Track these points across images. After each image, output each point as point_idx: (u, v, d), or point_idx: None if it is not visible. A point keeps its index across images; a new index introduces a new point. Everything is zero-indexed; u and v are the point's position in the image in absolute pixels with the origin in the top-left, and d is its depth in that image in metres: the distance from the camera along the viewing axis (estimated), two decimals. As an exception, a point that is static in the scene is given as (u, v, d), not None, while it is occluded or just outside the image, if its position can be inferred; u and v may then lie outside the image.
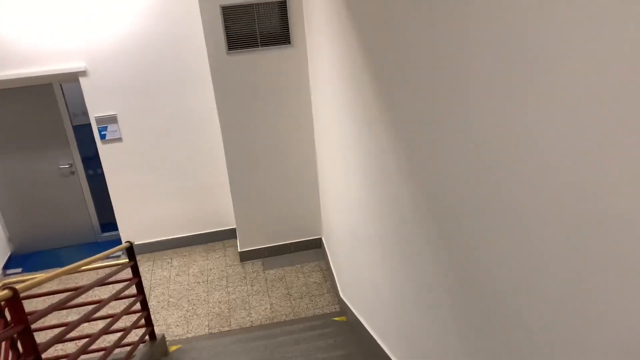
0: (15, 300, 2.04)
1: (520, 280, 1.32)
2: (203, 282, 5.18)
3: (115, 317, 3.59)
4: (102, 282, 3.61)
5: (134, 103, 5.10)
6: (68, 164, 5.61)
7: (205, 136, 5.37)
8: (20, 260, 5.76)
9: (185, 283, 5.19)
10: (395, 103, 2.14)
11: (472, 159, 1.48)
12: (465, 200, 1.56)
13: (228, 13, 4.42)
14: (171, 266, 5.46)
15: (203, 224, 5.74)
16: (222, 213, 5.71)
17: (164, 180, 5.45)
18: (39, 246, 5.88)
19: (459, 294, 1.74)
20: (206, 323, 4.64)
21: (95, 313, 3.40)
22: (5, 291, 2.01)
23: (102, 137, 5.16)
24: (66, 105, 5.40)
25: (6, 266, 5.64)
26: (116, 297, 3.70)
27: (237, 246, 5.42)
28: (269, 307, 4.77)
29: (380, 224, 2.72)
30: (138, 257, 5.64)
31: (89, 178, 5.75)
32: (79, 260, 5.81)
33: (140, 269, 5.44)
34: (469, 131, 1.47)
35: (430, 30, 1.65)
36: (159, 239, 5.69)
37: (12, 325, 2.15)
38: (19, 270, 5.59)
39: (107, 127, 5.14)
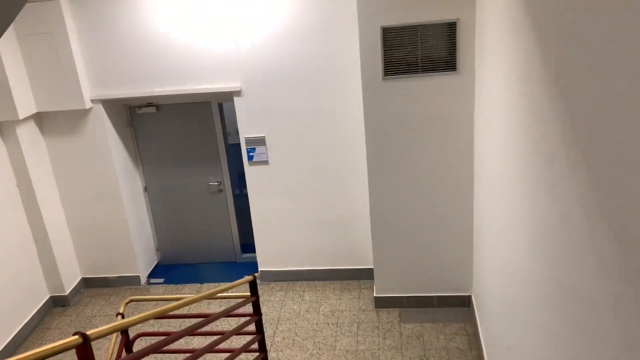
0: (85, 346, 1.77)
1: None
2: (333, 324, 4.75)
3: (232, 355, 3.30)
4: (222, 315, 3.35)
5: (283, 126, 4.92)
6: (217, 182, 5.63)
7: (352, 166, 4.99)
8: (164, 270, 5.91)
9: (314, 322, 4.80)
10: (599, 154, 1.47)
11: None
12: None
13: (389, 35, 3.99)
14: (302, 300, 5.13)
15: (340, 259, 5.33)
16: (361, 250, 5.25)
17: (305, 208, 5.17)
18: (182, 259, 5.99)
19: None
20: (329, 373, 4.19)
21: (211, 348, 3.14)
22: (76, 337, 1.75)
23: (250, 158, 5.06)
24: (222, 124, 5.44)
25: (151, 275, 5.81)
26: (236, 332, 3.42)
27: (373, 289, 4.91)
28: (400, 368, 4.16)
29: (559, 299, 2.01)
30: (271, 285, 5.42)
31: (235, 198, 5.72)
32: (217, 278, 5.81)
33: (272, 299, 5.20)
34: None
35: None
36: (295, 269, 5.41)
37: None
38: (161, 280, 5.72)
39: (255, 148, 5.02)
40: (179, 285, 5.61)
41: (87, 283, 5.68)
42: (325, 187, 5.09)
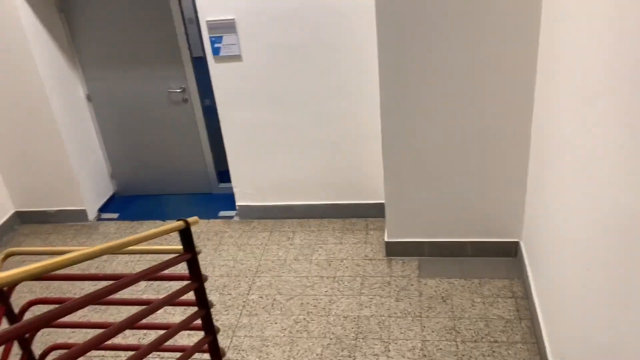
0: None
1: None
2: (328, 277, 3.52)
3: (162, 337, 2.09)
4: (138, 279, 2.11)
5: (261, 3, 3.46)
6: (180, 88, 4.26)
7: (358, 63, 3.56)
8: (122, 203, 4.68)
9: (304, 274, 3.57)
10: None
11: None
12: None
13: None
14: (291, 244, 3.89)
15: (342, 192, 4.03)
16: (369, 180, 3.93)
17: (295, 123, 3.81)
18: (144, 189, 4.75)
19: None
20: (318, 351, 2.99)
21: (127, 326, 1.93)
22: None
23: (215, 51, 3.64)
24: (181, 9, 3.99)
25: (103, 208, 4.59)
26: (162, 306, 2.19)
27: (384, 231, 3.67)
28: (419, 345, 2.94)
29: None
30: (253, 224, 4.17)
31: (206, 110, 4.36)
32: (186, 213, 4.59)
33: (251, 242, 3.96)
34: None
35: None
36: (283, 203, 4.13)
37: None
38: (116, 216, 4.51)
39: (221, 37, 3.60)
40: (135, 222, 4.40)
41: (22, 218, 4.50)
42: (321, 92, 3.69)
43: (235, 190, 4.16)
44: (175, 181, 4.67)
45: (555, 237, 2.48)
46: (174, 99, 4.32)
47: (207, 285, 3.55)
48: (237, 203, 4.20)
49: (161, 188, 4.72)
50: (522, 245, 3.35)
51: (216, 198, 4.61)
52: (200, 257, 3.82)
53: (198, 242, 4.02)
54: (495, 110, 3.03)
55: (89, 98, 4.40)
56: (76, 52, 4.23)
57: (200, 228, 4.21)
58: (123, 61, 4.21)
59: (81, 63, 4.27)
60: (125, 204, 4.67)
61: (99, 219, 4.48)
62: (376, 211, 4.03)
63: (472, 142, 3.15)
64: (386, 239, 3.60)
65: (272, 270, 3.65)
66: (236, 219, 4.28)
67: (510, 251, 3.45)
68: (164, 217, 4.40)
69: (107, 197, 4.69)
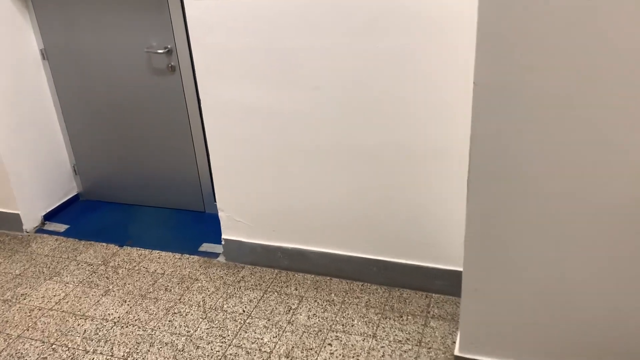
0: None
1: None
2: (336, 408, 1.85)
3: None
4: None
5: None
6: (164, 48, 2.78)
7: (428, 23, 1.87)
8: (80, 211, 3.29)
9: (295, 391, 1.93)
10: None
11: None
12: None
13: None
14: (290, 323, 2.25)
15: (389, 240, 2.33)
16: (438, 226, 2.21)
17: (319, 116, 2.18)
18: (116, 194, 3.33)
19: None
20: None
21: None
22: None
23: (192, -23, 2.11)
24: None
25: (53, 215, 3.22)
26: None
27: (455, 324, 1.93)
28: None
29: None
30: (241, 273, 2.59)
31: (204, 87, 2.85)
32: (160, 239, 2.99)
33: (230, 307, 2.38)
34: None
35: None
36: (293, 246, 2.51)
37: None
38: (63, 228, 3.11)
39: (202, -50, 2.06)
40: (83, 241, 2.97)
41: (-55, 215, 3.23)
42: (366, 65, 2.04)
43: (220, 214, 2.60)
44: (157, 188, 3.20)
45: None
46: (156, 64, 2.85)
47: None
48: (223, 235, 2.64)
49: (138, 196, 3.27)
50: None
51: (206, 220, 3.08)
52: (139, 320, 2.29)
53: (152, 289, 2.50)
54: None
55: (44, 55, 3.05)
56: (28, -16, 2.90)
57: (167, 266, 2.69)
58: (88, 8, 2.81)
59: (34, 6, 2.93)
60: (84, 212, 3.27)
61: (39, 229, 3.11)
62: (447, 283, 2.29)
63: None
64: (457, 353, 1.86)
65: (244, 370, 2.04)
66: (221, 259, 2.71)
67: None
68: (122, 240, 2.94)
69: (65, 199, 3.31)
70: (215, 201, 3.06)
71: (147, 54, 2.84)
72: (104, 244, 2.92)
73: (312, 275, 2.52)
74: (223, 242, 2.65)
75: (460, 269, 2.20)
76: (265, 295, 2.42)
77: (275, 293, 2.43)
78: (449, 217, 2.17)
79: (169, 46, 2.78)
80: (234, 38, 2.16)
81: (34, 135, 3.04)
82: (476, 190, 1.57)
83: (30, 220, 3.08)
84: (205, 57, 2.25)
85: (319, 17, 2.02)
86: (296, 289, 2.44)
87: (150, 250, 2.84)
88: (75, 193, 3.39)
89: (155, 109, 2.96)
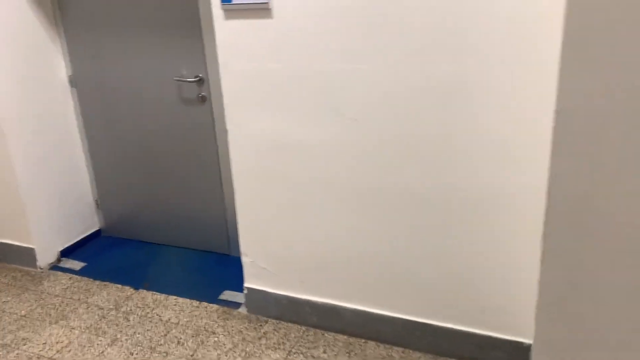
0: None
1: None
2: None
3: None
4: None
5: None
6: (195, 77, 2.59)
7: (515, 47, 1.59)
8: (99, 248, 3.07)
9: None
10: None
11: None
12: None
13: None
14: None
15: (442, 301, 1.98)
16: (502, 289, 1.85)
17: (364, 153, 1.90)
18: (138, 231, 3.10)
19: None
20: None
21: None
22: None
23: (223, -4, 1.92)
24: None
25: (71, 250, 3.01)
26: None
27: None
28: None
29: None
30: (267, 326, 2.27)
31: (235, 119, 2.62)
32: (180, 283, 2.67)
33: (246, 366, 2.06)
34: None
35: None
36: (325, 301, 2.19)
37: None
38: (79, 266, 2.89)
39: (234, -34, 1.87)
40: (98, 282, 2.73)
41: (-39, 245, 3.08)
42: (424, 95, 1.76)
43: (243, 259, 2.32)
44: (181, 227, 2.96)
45: None
46: (185, 93, 2.66)
47: None
48: (246, 283, 2.34)
49: (161, 233, 3.03)
50: None
51: (230, 265, 2.80)
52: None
53: (163, 341, 2.21)
54: None
55: (72, 82, 2.91)
56: (59, 14, 2.79)
57: (182, 314, 2.41)
58: (122, 34, 2.67)
59: (65, 30, 2.82)
60: (104, 249, 3.05)
61: (54, 266, 2.90)
62: (505, 356, 1.91)
63: None
64: None
65: None
66: (243, 310, 2.41)
67: None
68: (138, 282, 2.68)
69: (85, 234, 3.11)
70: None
71: (176, 83, 2.65)
72: (119, 285, 2.67)
73: (345, 336, 2.18)
74: (245, 291, 2.36)
75: (525, 340, 1.82)
76: (289, 357, 2.09)
77: (301, 355, 2.10)
78: (514, 278, 1.81)
79: (200, 75, 2.58)
80: (264, 63, 1.93)
81: (56, 166, 2.88)
82: (555, 247, 1.23)
83: (46, 255, 2.87)
84: (233, 84, 2.02)
85: (359, 38, 1.76)
86: (325, 352, 2.11)
87: (166, 295, 2.57)
88: (97, 228, 3.19)
89: (183, 142, 2.75)
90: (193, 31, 2.51)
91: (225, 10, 1.94)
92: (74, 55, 2.84)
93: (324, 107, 1.90)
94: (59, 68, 2.85)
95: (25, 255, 2.85)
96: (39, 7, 2.70)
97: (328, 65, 1.85)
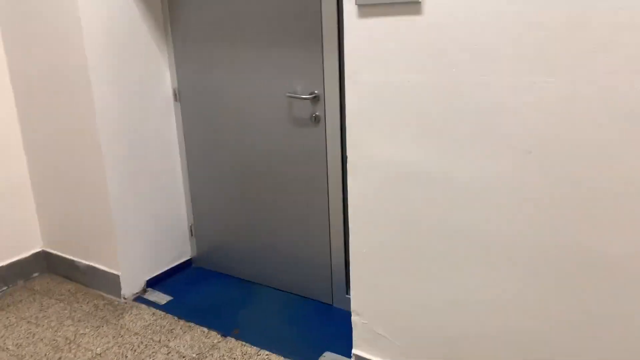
0: None
1: None
2: None
3: None
4: None
5: None
6: (310, 94, 2.21)
7: None
8: (189, 281, 2.76)
9: None
10: None
11: None
12: None
13: None
14: None
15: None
16: None
17: (531, 198, 1.39)
18: (233, 266, 2.75)
19: None
20: None
21: None
22: None
23: (358, -15, 1.51)
24: None
25: (158, 281, 2.72)
26: None
27: None
28: None
29: None
30: (376, 409, 1.78)
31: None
32: (274, 334, 2.08)
33: None
34: None
35: None
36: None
37: None
38: (164, 300, 2.57)
39: (377, -54, 1.46)
40: (182, 321, 2.38)
41: (50, 262, 2.88)
42: (606, 118, 1.23)
43: (354, 319, 1.85)
44: (280, 265, 2.57)
45: None
46: (297, 112, 2.29)
47: None
48: (355, 349, 1.87)
49: (258, 271, 2.66)
50: None
51: (334, 317, 2.34)
52: None
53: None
54: None
55: (176, 95, 2.66)
56: (170, 25, 2.57)
57: (273, 377, 1.98)
58: (230, 35, 2.38)
59: (174, 40, 2.58)
60: (194, 282, 2.73)
61: (137, 297, 2.61)
62: None
63: None
64: None
65: None
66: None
67: None
68: (227, 328, 2.30)
69: (175, 263, 2.82)
70: (347, 294, 2.35)
71: (287, 101, 2.29)
72: (205, 328, 2.31)
73: None
74: (353, 359, 1.88)
75: None
76: None
77: None
78: None
79: (315, 91, 2.20)
80: (405, 73, 1.49)
81: (151, 186, 2.62)
82: None
83: (131, 284, 2.59)
84: (360, 99, 1.60)
85: (537, 42, 1.27)
86: None
87: (258, 348, 2.15)
88: (188, 258, 2.89)
89: (290, 168, 2.37)
90: (311, 40, 2.14)
91: (360, 6, 1.53)
92: (181, 67, 2.59)
93: (478, 133, 1.42)
94: (165, 80, 2.61)
95: (110, 282, 2.59)
96: (151, 16, 2.48)
97: (486, 77, 1.37)
